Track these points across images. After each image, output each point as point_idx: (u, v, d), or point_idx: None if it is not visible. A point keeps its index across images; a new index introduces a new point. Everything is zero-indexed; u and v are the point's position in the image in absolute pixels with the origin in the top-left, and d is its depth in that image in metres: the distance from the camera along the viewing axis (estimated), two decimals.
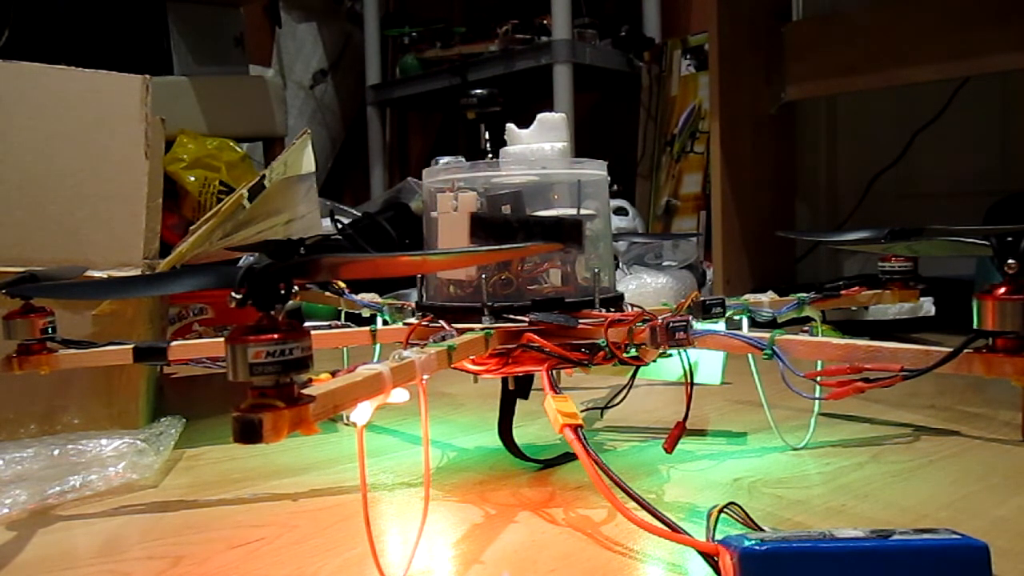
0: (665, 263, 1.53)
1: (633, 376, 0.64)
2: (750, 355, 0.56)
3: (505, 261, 0.61)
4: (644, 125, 1.97)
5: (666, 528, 0.40)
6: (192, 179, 1.50)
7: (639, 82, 1.97)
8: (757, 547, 0.35)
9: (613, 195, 1.44)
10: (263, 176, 0.75)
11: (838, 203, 1.77)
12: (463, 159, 0.68)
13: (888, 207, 1.67)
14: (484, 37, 2.05)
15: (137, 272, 0.74)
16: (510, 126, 0.67)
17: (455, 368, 0.51)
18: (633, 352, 0.55)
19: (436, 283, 0.65)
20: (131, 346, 0.61)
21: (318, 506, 0.57)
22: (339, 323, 0.80)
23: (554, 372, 0.54)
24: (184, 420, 0.74)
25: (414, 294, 0.72)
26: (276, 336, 0.32)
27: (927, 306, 1.25)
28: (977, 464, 0.62)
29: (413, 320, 0.63)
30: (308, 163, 0.81)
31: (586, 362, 0.55)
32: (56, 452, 0.63)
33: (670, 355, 0.58)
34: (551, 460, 0.64)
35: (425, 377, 0.43)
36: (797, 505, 0.54)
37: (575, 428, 0.45)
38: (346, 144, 2.63)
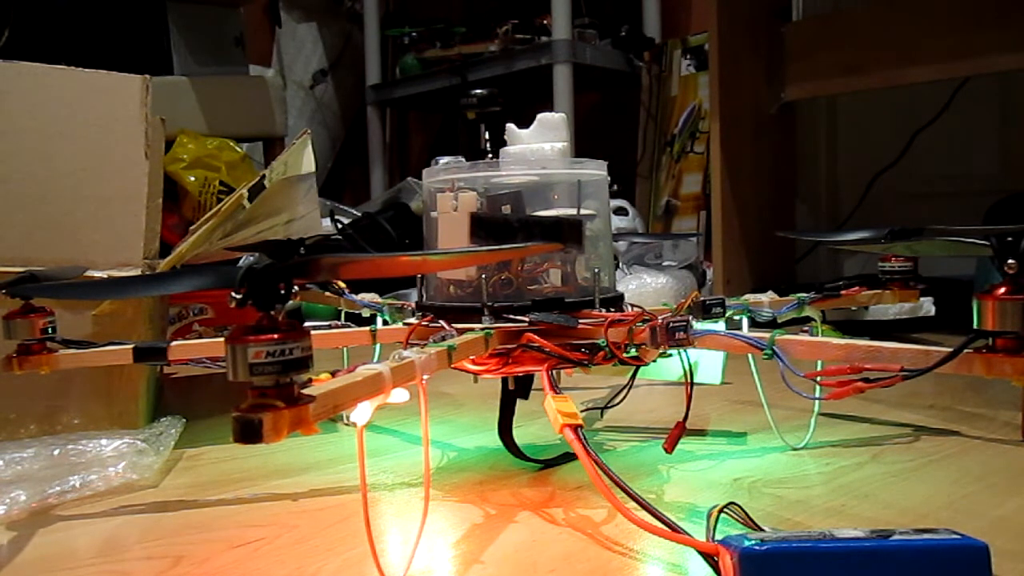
0: (665, 263, 1.53)
1: (633, 376, 0.64)
2: (750, 355, 0.56)
3: (505, 261, 0.61)
4: (644, 125, 1.97)
5: (666, 528, 0.40)
6: (192, 179, 1.50)
7: (639, 82, 1.97)
8: (757, 547, 0.35)
9: (613, 195, 1.43)
10: (263, 176, 0.75)
11: (838, 203, 1.77)
12: (463, 159, 0.68)
13: (888, 207, 1.67)
14: (484, 37, 2.05)
15: (137, 272, 0.74)
16: (510, 126, 0.67)
17: (455, 368, 0.51)
18: (633, 352, 0.55)
19: (436, 283, 0.65)
20: (131, 346, 0.61)
21: (318, 506, 0.57)
22: (339, 323, 0.80)
23: (554, 372, 0.54)
24: (184, 420, 0.74)
25: (414, 294, 0.72)
26: (276, 336, 0.32)
27: (927, 306, 1.25)
28: (977, 464, 0.62)
29: (413, 320, 0.63)
30: (308, 163, 0.81)
31: (586, 362, 0.55)
32: (56, 452, 0.63)
33: (670, 355, 0.58)
34: (551, 460, 0.64)
35: (425, 377, 0.43)
36: (797, 505, 0.54)
37: (575, 428, 0.45)
38: (346, 144, 2.63)
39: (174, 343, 0.61)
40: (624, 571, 0.44)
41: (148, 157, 0.77)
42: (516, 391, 0.62)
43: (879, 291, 0.71)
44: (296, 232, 0.83)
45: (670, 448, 0.61)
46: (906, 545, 0.35)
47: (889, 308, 1.28)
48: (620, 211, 1.61)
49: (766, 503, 0.54)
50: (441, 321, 0.57)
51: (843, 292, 0.70)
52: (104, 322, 0.73)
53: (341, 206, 1.86)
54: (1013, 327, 0.38)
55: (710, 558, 0.38)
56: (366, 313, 0.74)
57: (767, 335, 0.48)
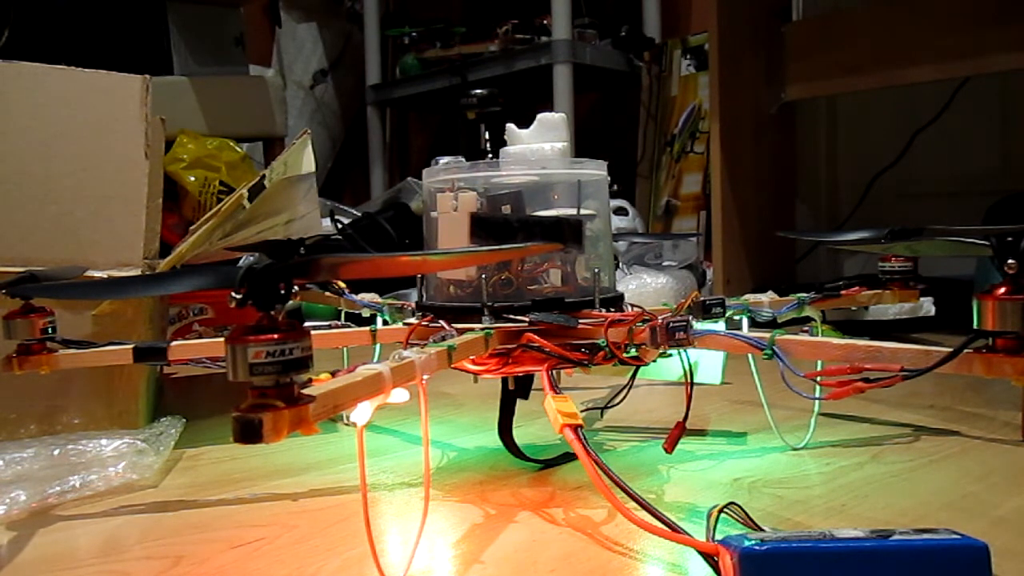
0: (665, 263, 1.53)
1: (633, 376, 0.64)
2: (750, 355, 0.56)
3: (505, 261, 0.61)
4: (644, 125, 1.97)
5: (666, 528, 0.40)
6: (192, 179, 1.50)
7: (639, 82, 1.97)
8: (757, 547, 0.35)
9: (613, 195, 1.43)
10: (263, 176, 0.75)
11: (838, 203, 1.77)
12: (463, 159, 0.68)
13: (888, 207, 1.67)
14: (484, 37, 2.05)
15: (137, 272, 0.74)
16: (510, 126, 0.67)
17: (455, 368, 0.51)
18: (633, 352, 0.55)
19: (436, 283, 0.65)
20: (131, 346, 0.61)
21: (318, 506, 0.57)
22: (339, 323, 0.80)
23: (554, 372, 0.54)
24: (184, 420, 0.74)
25: (414, 294, 0.72)
26: (276, 336, 0.32)
27: (927, 306, 1.25)
28: (977, 464, 0.62)
29: (413, 320, 0.63)
30: (308, 163, 0.81)
31: (586, 362, 0.55)
32: (56, 452, 0.63)
33: (670, 355, 0.58)
34: (551, 460, 0.64)
35: (425, 377, 0.43)
36: (797, 505, 0.54)
37: (575, 428, 0.45)
38: (346, 144, 2.63)
39: (174, 343, 0.61)
40: (624, 571, 0.44)
41: (148, 157, 0.77)
42: (516, 391, 0.62)
43: (879, 291, 0.71)
44: (296, 232, 0.83)
45: (670, 448, 0.61)
46: (906, 545, 0.35)
47: (889, 308, 1.28)
48: (620, 211, 1.61)
49: (766, 503, 0.54)
50: (441, 321, 0.57)
51: (843, 292, 0.70)
52: (104, 322, 0.73)
53: (341, 206, 1.86)
54: (1013, 327, 0.38)
55: (710, 558, 0.38)
56: (366, 313, 0.74)
57: (767, 335, 0.48)
